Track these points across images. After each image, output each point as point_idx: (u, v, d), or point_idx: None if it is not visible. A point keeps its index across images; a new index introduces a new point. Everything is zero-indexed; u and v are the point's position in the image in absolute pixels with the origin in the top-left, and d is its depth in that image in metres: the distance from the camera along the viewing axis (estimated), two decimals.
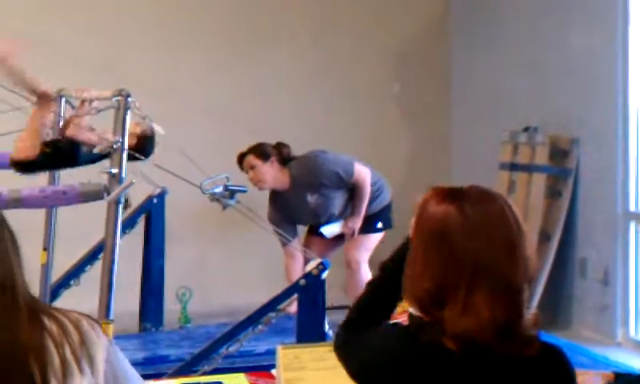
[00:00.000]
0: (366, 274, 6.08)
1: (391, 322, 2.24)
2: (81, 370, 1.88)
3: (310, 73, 7.69)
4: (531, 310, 1.98)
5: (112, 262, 3.90)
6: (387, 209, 6.28)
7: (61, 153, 4.28)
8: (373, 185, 6.17)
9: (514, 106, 6.83)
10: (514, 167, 6.49)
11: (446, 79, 7.84)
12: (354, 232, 6.14)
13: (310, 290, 3.90)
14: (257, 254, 7.13)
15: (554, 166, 6.13)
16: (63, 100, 5.02)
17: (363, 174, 6.12)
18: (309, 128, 7.63)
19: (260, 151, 6.04)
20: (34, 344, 1.85)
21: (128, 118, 3.95)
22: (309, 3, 7.69)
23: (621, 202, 5.72)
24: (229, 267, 6.30)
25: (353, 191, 6.12)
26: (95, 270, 4.68)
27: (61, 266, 5.44)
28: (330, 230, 6.13)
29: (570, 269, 6.12)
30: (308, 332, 3.85)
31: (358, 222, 6.11)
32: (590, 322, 5.94)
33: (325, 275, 3.95)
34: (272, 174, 6.03)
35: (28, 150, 4.21)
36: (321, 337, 3.87)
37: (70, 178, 4.46)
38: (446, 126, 7.84)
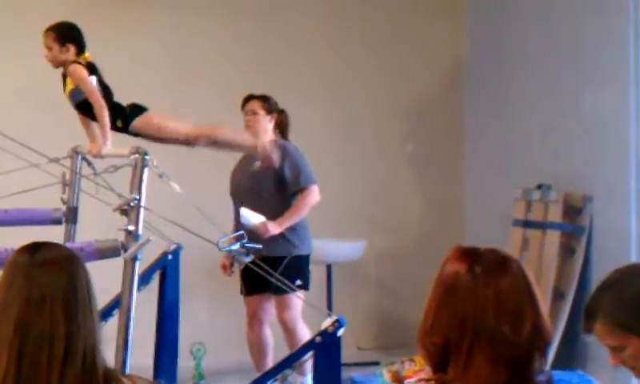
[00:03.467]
0: (303, 331, 5.94)
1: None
2: None
3: (326, 129, 7.76)
4: (544, 372, 2.01)
5: (128, 318, 3.93)
6: (306, 263, 6.04)
7: None
8: (301, 224, 6.02)
9: (527, 164, 6.86)
10: (527, 224, 6.49)
11: (458, 136, 7.90)
12: (266, 232, 5.76)
13: (326, 347, 3.90)
14: None
15: (567, 223, 6.14)
16: (79, 157, 5.09)
17: (313, 195, 6.05)
18: (322, 182, 7.67)
19: (268, 102, 6.13)
20: None
21: (145, 175, 4.00)
22: (325, 62, 7.78)
23: (635, 258, 5.71)
24: (243, 324, 6.29)
25: (288, 204, 5.99)
26: (110, 326, 4.69)
27: None
28: (248, 215, 5.76)
29: None
30: None
31: (277, 229, 5.81)
32: (604, 381, 5.89)
33: (340, 332, 3.95)
34: (265, 128, 6.11)
35: None
36: None
37: (87, 234, 4.51)
38: (458, 183, 7.89)
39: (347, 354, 6.98)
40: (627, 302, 2.48)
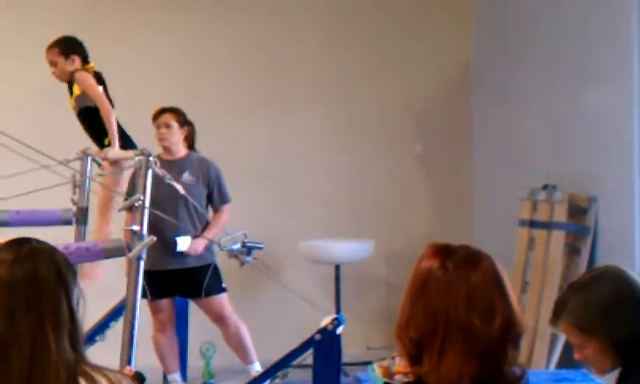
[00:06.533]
0: (243, 325, 6.24)
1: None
2: None
3: (335, 129, 7.82)
4: (519, 364, 2.08)
5: (133, 317, 4.00)
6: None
7: None
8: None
9: (533, 165, 6.90)
10: (533, 224, 6.54)
11: (466, 138, 7.95)
12: (196, 252, 6.07)
13: (325, 344, 3.97)
14: (276, 309, 7.21)
15: (572, 223, 6.17)
16: (89, 159, 5.20)
17: (229, 213, 6.27)
18: (333, 184, 7.76)
19: (180, 115, 6.22)
20: None
21: (149, 176, 4.09)
22: (337, 65, 7.86)
23: (638, 259, 5.75)
24: (250, 323, 6.37)
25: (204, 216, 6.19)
26: (120, 326, 4.78)
27: (86, 321, 5.53)
28: (183, 242, 6.02)
29: None
30: None
31: (202, 245, 6.07)
32: (609, 379, 5.92)
33: (340, 330, 4.02)
34: (178, 139, 6.22)
35: None
36: None
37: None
38: (466, 183, 7.93)
39: (356, 353, 7.11)
40: (590, 307, 2.63)
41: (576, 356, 2.68)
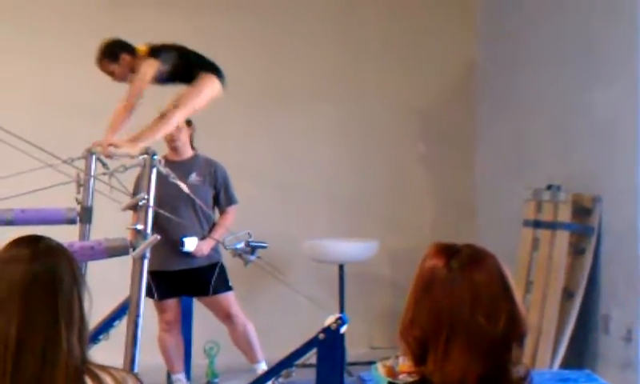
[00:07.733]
0: (249, 324, 6.30)
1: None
2: None
3: (340, 129, 7.83)
4: (522, 364, 2.08)
5: (137, 316, 3.99)
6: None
7: None
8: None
9: (537, 165, 6.90)
10: (537, 224, 6.53)
11: (470, 138, 7.95)
12: (202, 253, 6.14)
13: (329, 344, 3.97)
14: (281, 309, 7.22)
15: (576, 223, 6.17)
16: (94, 157, 5.19)
17: (235, 214, 6.33)
18: (337, 183, 7.76)
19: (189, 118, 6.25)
20: None
21: (153, 175, 4.08)
22: (341, 65, 7.86)
23: None
24: (255, 322, 6.37)
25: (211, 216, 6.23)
26: (124, 325, 4.78)
27: (90, 320, 5.53)
28: (190, 242, 6.08)
29: (593, 326, 6.14)
30: None
31: (208, 247, 6.13)
32: (613, 379, 5.92)
33: (344, 330, 4.02)
34: (186, 139, 6.32)
35: None
36: None
37: (103, 233, 4.59)
38: (471, 183, 7.93)
39: (360, 352, 7.11)
40: None
41: None
